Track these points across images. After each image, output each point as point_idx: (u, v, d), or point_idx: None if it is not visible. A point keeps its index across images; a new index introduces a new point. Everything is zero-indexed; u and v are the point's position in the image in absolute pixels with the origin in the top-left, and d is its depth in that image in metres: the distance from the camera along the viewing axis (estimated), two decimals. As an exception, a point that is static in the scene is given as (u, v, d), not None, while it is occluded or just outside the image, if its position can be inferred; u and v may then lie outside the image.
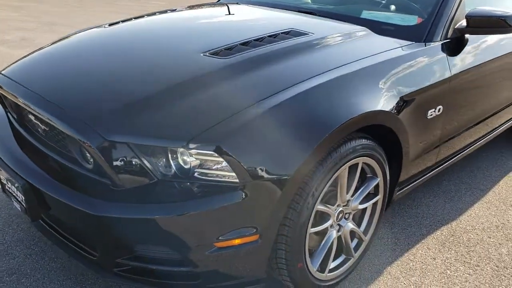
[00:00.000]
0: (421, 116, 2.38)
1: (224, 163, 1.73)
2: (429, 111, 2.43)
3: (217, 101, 1.88)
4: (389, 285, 2.36)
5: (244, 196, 1.75)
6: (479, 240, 2.77)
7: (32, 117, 2.13)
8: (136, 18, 2.94)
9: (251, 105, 1.84)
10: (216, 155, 1.72)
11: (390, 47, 2.40)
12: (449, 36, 2.60)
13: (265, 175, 1.76)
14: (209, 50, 2.20)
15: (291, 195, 1.84)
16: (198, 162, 1.75)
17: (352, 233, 2.32)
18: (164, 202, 1.76)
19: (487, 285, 2.39)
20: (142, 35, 2.59)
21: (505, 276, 2.46)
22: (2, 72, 2.35)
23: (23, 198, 2.00)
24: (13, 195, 2.13)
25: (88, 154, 1.89)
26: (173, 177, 1.79)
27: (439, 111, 2.50)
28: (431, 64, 2.44)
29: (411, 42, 2.50)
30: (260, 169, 1.75)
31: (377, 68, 2.20)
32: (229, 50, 2.21)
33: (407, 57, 2.34)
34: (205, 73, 2.02)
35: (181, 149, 1.74)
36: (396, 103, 2.18)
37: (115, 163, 1.79)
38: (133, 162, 1.79)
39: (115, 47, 2.42)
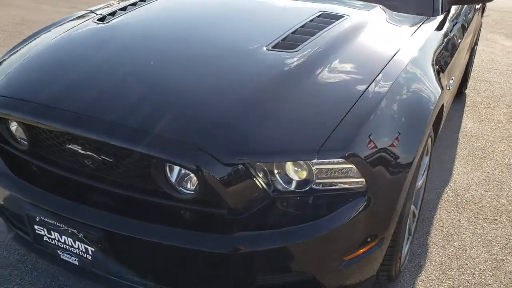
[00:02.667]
0: None
1: (354, 169, 1.58)
2: None
3: (318, 102, 1.70)
4: (441, 254, 2.45)
5: (370, 201, 1.63)
6: (480, 195, 3.00)
7: (78, 148, 1.68)
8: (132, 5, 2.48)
9: (358, 100, 1.69)
10: (344, 161, 1.56)
11: (419, 23, 2.42)
12: (446, 9, 2.71)
13: (388, 175, 1.66)
14: (269, 44, 1.95)
15: (407, 190, 1.77)
16: (321, 172, 1.57)
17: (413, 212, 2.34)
18: (289, 223, 1.56)
19: (514, 236, 2.63)
20: (172, 28, 2.23)
21: (522, 225, 2.72)
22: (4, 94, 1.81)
23: (94, 248, 1.61)
24: (63, 248, 1.70)
25: (188, 183, 1.58)
26: (292, 193, 1.59)
27: None
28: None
29: (426, 17, 2.54)
30: (384, 168, 1.64)
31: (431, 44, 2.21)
32: (285, 41, 1.99)
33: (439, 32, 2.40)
34: (284, 71, 1.80)
35: (308, 162, 1.54)
36: None
37: (230, 188, 1.52)
38: (249, 184, 1.54)
39: (146, 43, 2.03)
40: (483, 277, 2.32)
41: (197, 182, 1.57)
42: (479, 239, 2.58)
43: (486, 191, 3.05)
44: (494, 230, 2.67)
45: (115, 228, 1.58)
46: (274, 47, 1.93)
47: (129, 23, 2.27)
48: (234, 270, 1.57)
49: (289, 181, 1.58)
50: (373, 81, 1.80)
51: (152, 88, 1.71)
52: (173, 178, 1.61)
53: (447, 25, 2.59)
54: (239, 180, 1.52)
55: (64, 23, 2.46)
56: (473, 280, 2.29)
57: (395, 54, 2.01)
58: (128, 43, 2.03)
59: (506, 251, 2.51)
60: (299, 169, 1.57)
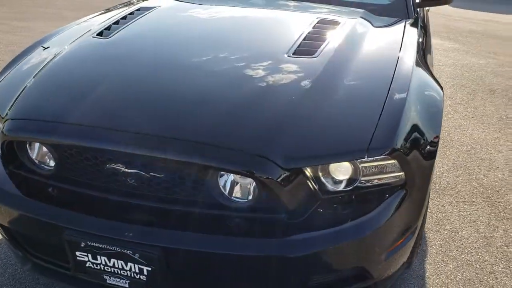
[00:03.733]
0: None
1: (396, 164, 1.68)
2: None
3: (352, 104, 1.78)
4: (438, 238, 2.63)
5: (408, 193, 1.74)
6: (454, 181, 3.26)
7: (121, 167, 1.63)
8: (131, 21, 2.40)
9: (387, 99, 1.80)
10: (388, 157, 1.66)
11: (402, 25, 2.59)
12: (416, 11, 2.91)
13: (420, 166, 1.78)
14: (288, 51, 2.01)
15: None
16: (367, 170, 1.66)
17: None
18: (337, 222, 1.62)
19: None
20: (185, 39, 2.22)
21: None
22: (41, 118, 1.71)
23: (150, 268, 1.57)
24: (110, 272, 1.64)
25: (240, 192, 1.60)
26: (339, 193, 1.66)
27: None
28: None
29: (402, 19, 2.72)
30: (417, 160, 1.76)
31: (418, 44, 2.38)
32: (301, 47, 2.05)
33: (418, 33, 2.59)
34: (313, 77, 1.86)
35: (359, 160, 1.62)
36: None
37: (289, 192, 1.56)
38: (304, 187, 1.59)
39: (165, 55, 2.00)
40: (479, 254, 2.53)
41: (254, 189, 1.60)
42: (466, 220, 2.81)
43: (457, 177, 3.31)
44: (475, 211, 2.91)
45: (175, 244, 1.55)
46: (294, 54, 1.99)
47: (140, 36, 2.23)
48: (293, 272, 1.60)
49: (338, 181, 1.65)
50: (392, 81, 1.91)
51: (192, 99, 1.71)
52: (227, 188, 1.61)
53: (420, 26, 2.80)
54: (296, 183, 1.57)
55: (54, 38, 2.35)
56: (472, 258, 2.49)
57: (399, 54, 2.15)
58: (146, 56, 2.00)
59: (490, 228, 2.75)
60: (347, 169, 1.64)
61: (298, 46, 2.05)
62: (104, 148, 1.59)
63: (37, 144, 1.79)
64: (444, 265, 2.43)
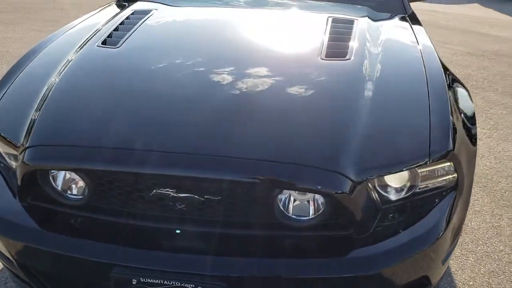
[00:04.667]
0: None
1: (451, 166, 1.64)
2: None
3: (399, 108, 1.72)
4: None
5: (459, 194, 1.71)
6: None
7: (171, 192, 1.46)
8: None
9: (430, 100, 1.75)
10: (445, 160, 1.61)
11: (406, 20, 2.57)
12: (410, 7, 2.91)
13: (468, 166, 1.75)
14: (320, 53, 1.91)
15: None
16: (425, 175, 1.60)
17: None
18: (396, 230, 1.56)
19: None
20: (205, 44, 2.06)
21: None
22: (75, 143, 1.50)
23: None
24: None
25: (303, 209, 1.49)
26: (399, 201, 1.59)
27: None
28: None
29: (401, 14, 2.71)
30: (466, 159, 1.73)
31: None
32: (330, 49, 1.96)
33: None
34: (354, 80, 1.77)
35: (422, 167, 1.56)
36: None
37: (357, 206, 1.47)
38: (368, 199, 1.51)
39: (190, 65, 1.83)
40: (494, 245, 2.57)
41: (317, 206, 1.49)
42: (471, 211, 2.85)
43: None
44: (477, 201, 2.97)
45: (241, 272, 1.42)
46: (327, 56, 1.89)
47: (152, 45, 2.05)
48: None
49: (399, 189, 1.58)
50: (427, 78, 1.87)
51: (242, 115, 1.57)
52: (286, 206, 1.50)
53: (417, 20, 2.79)
54: (362, 196, 1.48)
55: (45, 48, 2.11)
56: (488, 249, 2.53)
57: (420, 48, 2.12)
58: (169, 68, 1.82)
59: (496, 217, 2.81)
60: (407, 176, 1.58)
61: (328, 48, 1.96)
62: (155, 173, 1.42)
63: (62, 173, 1.58)
64: (465, 259, 2.44)
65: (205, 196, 1.46)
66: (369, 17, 2.41)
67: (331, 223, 1.50)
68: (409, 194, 1.59)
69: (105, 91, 1.71)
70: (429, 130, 1.62)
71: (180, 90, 1.68)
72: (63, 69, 1.85)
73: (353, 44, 2.01)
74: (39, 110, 1.65)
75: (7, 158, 1.71)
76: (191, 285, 1.42)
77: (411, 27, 2.44)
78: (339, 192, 1.40)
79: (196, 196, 1.47)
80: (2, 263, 1.78)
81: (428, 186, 1.62)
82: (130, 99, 1.65)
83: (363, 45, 2.01)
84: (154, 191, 1.47)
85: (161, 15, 2.36)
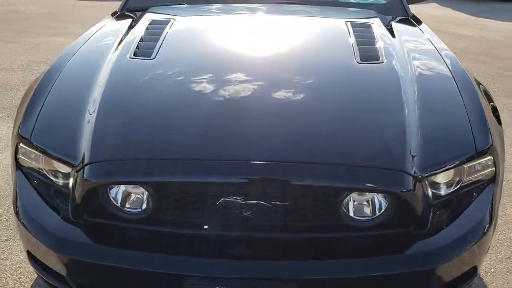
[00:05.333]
0: None
1: (491, 160, 1.73)
2: None
3: (438, 106, 1.81)
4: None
5: (496, 184, 1.80)
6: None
7: (238, 200, 1.48)
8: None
9: (463, 97, 1.85)
10: (487, 154, 1.71)
11: (414, 22, 2.69)
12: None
13: (501, 158, 1.85)
14: (354, 57, 1.98)
15: None
16: (470, 169, 1.69)
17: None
18: (445, 223, 1.64)
19: None
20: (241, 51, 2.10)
21: None
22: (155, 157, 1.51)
23: None
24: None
25: (363, 209, 1.54)
26: (447, 196, 1.67)
27: None
28: None
29: (403, 16, 2.82)
30: (500, 152, 1.82)
31: None
32: (362, 53, 2.03)
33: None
34: (394, 82, 1.85)
35: (469, 161, 1.64)
36: None
37: (418, 203, 1.53)
38: (424, 195, 1.58)
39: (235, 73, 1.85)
40: (504, 232, 2.71)
41: (379, 206, 1.55)
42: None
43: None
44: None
45: (314, 275, 1.46)
46: (362, 60, 1.96)
47: (189, 55, 2.07)
48: (428, 283, 1.58)
49: (449, 184, 1.66)
50: (453, 76, 1.97)
51: (302, 120, 1.62)
52: (349, 208, 1.55)
53: (420, 21, 2.92)
54: (421, 193, 1.55)
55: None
56: (500, 237, 2.66)
57: (436, 47, 2.23)
58: (214, 75, 1.85)
59: (501, 207, 2.96)
60: (456, 171, 1.66)
61: (360, 52, 2.03)
62: (229, 182, 1.44)
63: (119, 188, 1.57)
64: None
65: (272, 202, 1.49)
66: (380, 20, 2.51)
67: (391, 222, 1.56)
68: (456, 188, 1.67)
69: (154, 102, 1.72)
70: (470, 127, 1.71)
71: (233, 98, 1.71)
72: (102, 83, 1.83)
73: (380, 47, 2.09)
74: (91, 125, 1.62)
75: (50, 176, 1.69)
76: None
77: (420, 29, 2.56)
78: (406, 190, 1.46)
79: (263, 202, 1.49)
80: (48, 283, 1.74)
81: (471, 180, 1.70)
82: (185, 109, 1.66)
83: (388, 48, 2.09)
84: (222, 199, 1.49)
85: (182, 24, 2.37)
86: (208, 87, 1.78)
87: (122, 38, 2.25)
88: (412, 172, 1.49)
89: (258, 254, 1.49)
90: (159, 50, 2.03)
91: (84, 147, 1.55)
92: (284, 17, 2.58)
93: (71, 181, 1.60)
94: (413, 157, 1.53)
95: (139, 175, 1.47)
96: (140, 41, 2.14)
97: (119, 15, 2.76)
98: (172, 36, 2.20)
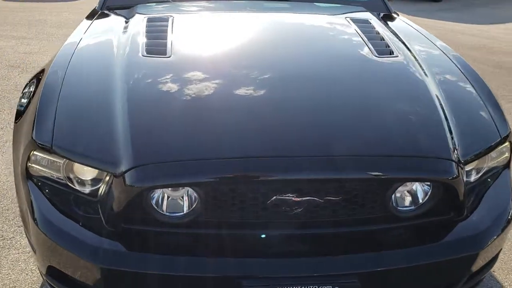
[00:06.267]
0: None
1: (508, 146, 1.81)
2: None
3: (457, 98, 1.86)
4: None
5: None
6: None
7: (290, 197, 1.45)
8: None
9: (476, 90, 1.92)
10: (506, 141, 1.79)
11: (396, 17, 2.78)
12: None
13: None
14: (371, 52, 2.00)
15: None
16: (491, 156, 1.77)
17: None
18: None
19: None
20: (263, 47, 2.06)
21: None
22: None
23: None
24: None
25: (408, 199, 1.57)
26: (475, 181, 1.73)
27: None
28: None
29: (387, 13, 2.90)
30: None
31: None
32: (375, 47, 2.05)
33: None
34: (417, 75, 1.90)
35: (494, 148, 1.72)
36: None
37: (460, 189, 1.56)
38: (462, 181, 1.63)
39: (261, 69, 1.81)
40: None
41: (421, 195, 1.58)
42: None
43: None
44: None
45: (373, 267, 1.46)
46: (379, 54, 1.99)
47: (206, 52, 2.02)
48: (469, 267, 1.62)
49: (479, 170, 1.72)
50: (459, 69, 2.04)
51: (342, 113, 1.62)
52: (394, 199, 1.57)
53: (403, 17, 3.02)
54: (462, 180, 1.59)
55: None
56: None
57: (436, 43, 2.31)
58: (240, 71, 1.81)
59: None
60: (484, 158, 1.72)
61: (374, 46, 2.06)
62: (284, 179, 1.41)
63: (158, 192, 1.49)
64: None
65: (325, 198, 1.48)
66: (374, 16, 2.56)
67: (435, 209, 1.59)
68: (481, 174, 1.74)
69: (187, 101, 1.65)
70: (490, 115, 1.79)
71: (268, 94, 1.68)
72: (121, 83, 1.73)
73: (388, 41, 2.13)
74: (126, 127, 1.53)
75: (74, 184, 1.57)
76: (329, 287, 1.43)
77: (408, 23, 2.64)
78: (454, 177, 1.50)
79: (316, 199, 1.47)
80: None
81: (490, 166, 1.78)
82: (222, 107, 1.61)
83: (396, 42, 2.15)
84: (274, 197, 1.45)
85: (183, 21, 2.30)
86: (237, 83, 1.74)
87: (120, 36, 2.14)
88: (457, 160, 1.53)
89: (315, 251, 1.46)
90: (173, 48, 1.94)
91: (122, 151, 1.46)
92: (282, 14, 2.58)
93: (102, 188, 1.49)
94: (454, 145, 1.57)
95: (191, 176, 1.40)
96: (147, 39, 2.04)
97: (101, 14, 2.63)
98: (179, 34, 2.13)
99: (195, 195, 1.48)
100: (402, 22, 2.65)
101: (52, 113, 1.65)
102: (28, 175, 1.63)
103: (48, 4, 9.40)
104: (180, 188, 1.48)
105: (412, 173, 1.48)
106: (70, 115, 1.66)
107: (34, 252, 1.68)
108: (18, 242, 2.44)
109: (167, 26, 2.18)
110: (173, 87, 1.73)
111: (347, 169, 1.43)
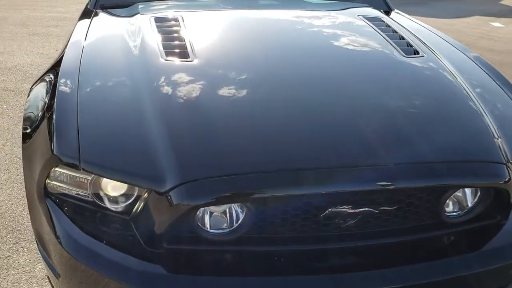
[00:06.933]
0: None
1: None
2: None
3: (484, 98, 1.83)
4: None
5: None
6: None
7: (346, 209, 1.38)
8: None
9: (497, 82, 1.92)
10: None
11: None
12: None
13: None
14: (397, 51, 1.94)
15: None
16: None
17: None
18: None
19: None
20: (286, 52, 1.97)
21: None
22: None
23: None
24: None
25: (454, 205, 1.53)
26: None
27: None
28: None
29: (388, 10, 2.88)
30: None
31: None
32: (400, 47, 2.01)
33: None
34: (447, 75, 1.86)
35: None
36: None
37: (509, 191, 1.54)
38: None
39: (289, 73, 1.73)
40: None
41: (470, 200, 1.54)
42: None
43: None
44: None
45: (427, 278, 1.40)
46: (406, 54, 1.94)
47: (231, 55, 1.91)
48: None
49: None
50: (479, 66, 2.03)
51: (384, 120, 1.55)
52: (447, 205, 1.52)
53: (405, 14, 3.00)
54: None
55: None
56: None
57: (446, 40, 2.29)
58: (270, 75, 1.73)
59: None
60: None
61: (399, 46, 2.01)
62: (344, 191, 1.34)
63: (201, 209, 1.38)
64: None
65: (380, 208, 1.41)
66: (382, 13, 2.53)
67: (485, 214, 1.55)
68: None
69: (226, 109, 1.54)
70: None
71: (305, 99, 1.61)
72: (148, 91, 1.60)
73: (408, 39, 2.09)
74: (165, 140, 1.41)
75: (104, 202, 1.44)
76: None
77: (413, 21, 2.62)
78: (506, 181, 1.46)
79: (371, 209, 1.41)
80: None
81: None
82: (264, 115, 1.52)
83: (415, 40, 2.11)
84: (329, 210, 1.38)
85: (195, 21, 2.17)
86: (275, 88, 1.64)
87: (129, 39, 2.00)
88: (504, 161, 1.50)
89: (373, 264, 1.39)
90: (194, 51, 1.82)
91: (164, 164, 1.34)
92: (286, 12, 2.50)
93: (137, 205, 1.38)
94: (502, 147, 1.54)
95: (250, 191, 1.30)
96: (163, 41, 1.91)
97: (97, 14, 2.46)
98: (195, 34, 2.00)
99: (240, 209, 1.38)
100: (408, 20, 2.62)
101: (74, 126, 1.50)
102: (45, 193, 1.49)
103: (7, 1, 8.92)
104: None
105: (468, 179, 1.43)
106: (95, 126, 1.51)
107: (57, 277, 1.54)
108: (16, 261, 2.26)
109: (179, 26, 2.05)
110: (206, 93, 1.61)
111: (407, 178, 1.38)
